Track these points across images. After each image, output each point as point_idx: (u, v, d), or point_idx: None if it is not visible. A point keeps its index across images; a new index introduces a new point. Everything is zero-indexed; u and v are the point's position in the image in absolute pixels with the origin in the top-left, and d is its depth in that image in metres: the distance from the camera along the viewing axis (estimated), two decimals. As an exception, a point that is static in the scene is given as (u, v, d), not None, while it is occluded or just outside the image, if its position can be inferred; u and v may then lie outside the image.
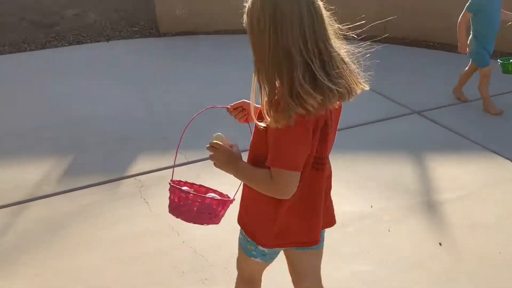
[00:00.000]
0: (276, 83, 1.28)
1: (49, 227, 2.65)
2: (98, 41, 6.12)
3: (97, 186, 3.01)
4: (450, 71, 5.00)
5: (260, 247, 1.53)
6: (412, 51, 5.67)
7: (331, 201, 1.59)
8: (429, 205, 2.86)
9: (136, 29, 6.54)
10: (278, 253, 1.62)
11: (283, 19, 1.24)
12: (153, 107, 4.13)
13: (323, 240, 1.63)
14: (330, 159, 1.48)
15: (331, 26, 1.32)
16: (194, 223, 1.55)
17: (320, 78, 1.25)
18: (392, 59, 5.38)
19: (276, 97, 1.28)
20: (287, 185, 1.34)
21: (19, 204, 2.84)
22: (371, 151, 3.47)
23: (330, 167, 1.52)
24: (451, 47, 5.67)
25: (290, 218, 1.46)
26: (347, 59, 1.34)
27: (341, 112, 1.46)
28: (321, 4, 1.30)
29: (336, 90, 1.26)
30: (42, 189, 2.98)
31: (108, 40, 6.17)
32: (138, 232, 2.60)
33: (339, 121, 1.46)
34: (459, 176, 3.16)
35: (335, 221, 1.62)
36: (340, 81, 1.28)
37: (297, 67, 1.24)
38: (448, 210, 2.81)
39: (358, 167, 3.24)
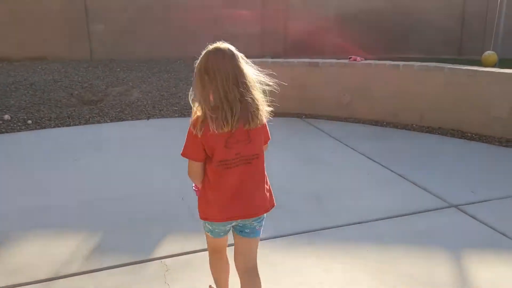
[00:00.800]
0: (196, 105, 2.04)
1: (70, 308, 2.60)
2: (139, 119, 6.34)
3: (122, 267, 2.97)
4: (488, 164, 4.89)
5: (207, 225, 2.21)
6: (449, 141, 5.60)
7: (253, 196, 2.11)
8: (468, 310, 2.67)
9: (176, 108, 6.77)
10: (221, 232, 2.21)
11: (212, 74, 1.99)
12: (185, 188, 4.14)
13: (254, 230, 2.20)
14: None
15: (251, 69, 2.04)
16: None
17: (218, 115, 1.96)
18: (428, 148, 5.32)
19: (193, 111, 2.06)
20: (189, 169, 2.13)
21: (44, 282, 2.83)
22: (406, 245, 3.32)
23: (257, 168, 2.10)
24: (489, 138, 5.58)
25: (210, 201, 2.12)
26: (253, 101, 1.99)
27: (267, 130, 2.13)
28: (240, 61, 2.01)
29: (221, 124, 1.95)
30: (68, 268, 2.97)
31: (148, 118, 6.40)
32: (159, 321, 2.52)
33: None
34: (502, 279, 2.96)
35: (253, 215, 2.13)
36: (227, 119, 1.95)
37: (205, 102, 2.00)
38: (490, 317, 2.60)
39: (392, 261, 3.09)
